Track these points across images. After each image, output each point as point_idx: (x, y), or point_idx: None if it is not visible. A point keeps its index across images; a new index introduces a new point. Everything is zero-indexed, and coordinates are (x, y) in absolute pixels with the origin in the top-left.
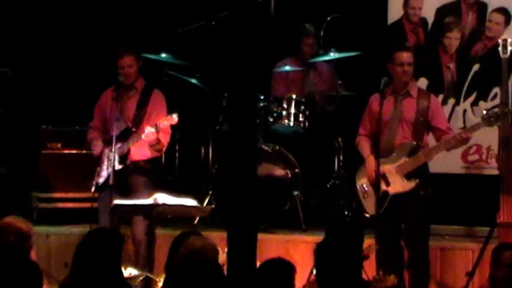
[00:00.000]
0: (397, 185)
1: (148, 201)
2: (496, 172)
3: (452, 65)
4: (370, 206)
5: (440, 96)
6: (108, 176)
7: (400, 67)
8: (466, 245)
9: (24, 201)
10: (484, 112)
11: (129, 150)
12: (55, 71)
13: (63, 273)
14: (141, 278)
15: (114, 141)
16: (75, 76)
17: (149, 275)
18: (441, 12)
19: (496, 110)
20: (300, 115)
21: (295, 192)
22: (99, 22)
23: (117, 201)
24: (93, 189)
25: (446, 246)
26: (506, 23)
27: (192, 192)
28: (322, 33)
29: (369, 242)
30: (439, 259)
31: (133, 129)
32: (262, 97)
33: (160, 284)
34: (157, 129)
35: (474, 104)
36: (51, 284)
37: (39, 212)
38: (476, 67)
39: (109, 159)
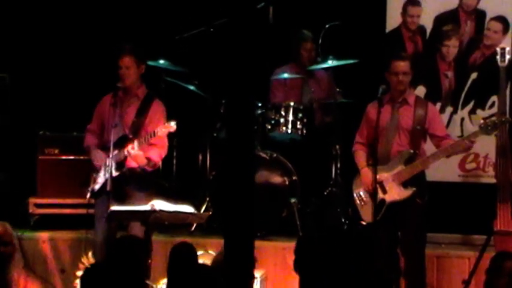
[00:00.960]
0: (394, 193)
1: (145, 207)
2: (493, 180)
3: (450, 73)
4: (366, 214)
5: (438, 104)
6: (105, 182)
7: (395, 76)
8: (463, 253)
9: (21, 206)
10: (482, 121)
11: (125, 157)
12: (53, 76)
13: (60, 279)
14: None
15: (111, 148)
16: (73, 82)
17: (146, 281)
18: (439, 20)
19: (493, 118)
20: (298, 122)
21: (293, 200)
22: (98, 28)
23: (114, 208)
24: (88, 195)
25: (442, 254)
26: (505, 32)
27: (189, 199)
28: (320, 41)
29: None
30: (435, 267)
31: (130, 136)
32: (260, 104)
33: None
34: (154, 135)
35: (472, 112)
36: None
37: (35, 218)
38: (474, 75)
39: (106, 166)
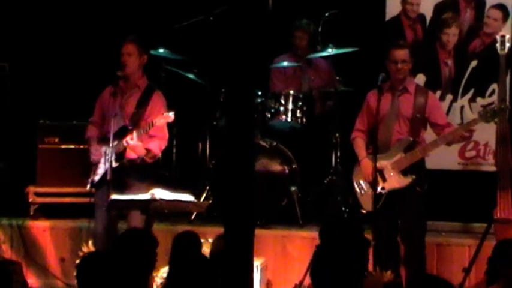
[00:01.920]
0: (394, 181)
1: (145, 196)
2: (493, 168)
3: (450, 61)
4: (366, 202)
5: (438, 93)
6: (105, 172)
7: (394, 64)
8: (463, 241)
9: (21, 195)
10: (481, 108)
11: (125, 148)
12: (53, 65)
13: (60, 268)
14: None
15: (111, 138)
16: (73, 71)
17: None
18: (439, 8)
19: (493, 106)
20: (298, 111)
21: (293, 188)
22: (97, 17)
23: (114, 197)
24: (88, 186)
25: (442, 242)
26: (504, 19)
27: (190, 188)
28: (320, 29)
29: None
30: (435, 255)
31: (130, 128)
32: (259, 93)
33: (158, 280)
34: (152, 125)
35: (472, 100)
36: (48, 278)
37: (36, 207)
38: (474, 63)
39: (106, 155)
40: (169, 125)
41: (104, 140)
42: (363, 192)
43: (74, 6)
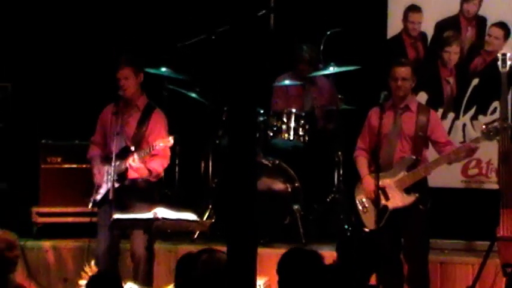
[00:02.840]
0: (397, 199)
1: (148, 215)
2: (495, 186)
3: (451, 79)
4: (369, 221)
5: (440, 111)
6: (107, 192)
7: (394, 82)
8: (466, 259)
9: (24, 215)
10: (484, 126)
11: (126, 169)
12: (55, 85)
13: None
14: None
15: (114, 157)
16: (75, 91)
17: None
18: (440, 26)
19: (495, 124)
20: (300, 129)
21: (295, 206)
22: (99, 37)
23: (116, 216)
24: (90, 205)
25: (446, 260)
26: (506, 38)
27: (192, 207)
28: (321, 48)
29: None
30: (438, 273)
31: (132, 148)
32: (262, 111)
33: None
34: (152, 149)
35: (474, 118)
36: None
37: (38, 227)
38: (475, 81)
39: (108, 175)
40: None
41: (106, 160)
42: (365, 210)
43: (76, 27)
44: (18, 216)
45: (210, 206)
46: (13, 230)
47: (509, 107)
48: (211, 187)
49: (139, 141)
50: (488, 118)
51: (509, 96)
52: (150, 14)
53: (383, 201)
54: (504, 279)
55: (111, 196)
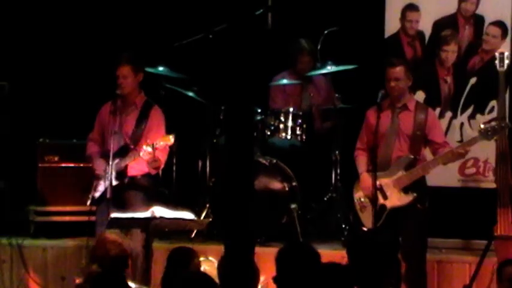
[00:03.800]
0: (395, 198)
1: (145, 214)
2: (493, 185)
3: (449, 78)
4: (367, 220)
5: (438, 110)
6: (105, 189)
7: (388, 83)
8: (463, 258)
9: (21, 214)
10: (482, 126)
11: (126, 167)
12: (53, 84)
13: (60, 287)
14: None
15: (111, 156)
16: (73, 90)
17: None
18: (438, 25)
19: (493, 123)
20: (297, 128)
21: (293, 206)
22: (97, 36)
23: (114, 214)
24: (88, 202)
25: (443, 259)
26: (503, 36)
27: (190, 205)
28: (319, 47)
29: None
30: (436, 272)
31: (132, 146)
32: (259, 110)
33: None
34: (153, 148)
35: (471, 117)
36: None
37: (36, 226)
38: (473, 80)
39: (106, 173)
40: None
41: (105, 157)
42: (363, 209)
43: (73, 25)
44: (15, 215)
45: (208, 205)
46: (10, 229)
47: (507, 106)
48: (208, 186)
49: (138, 139)
50: (486, 117)
51: (507, 95)
52: (147, 13)
53: (381, 200)
54: None
55: (108, 195)
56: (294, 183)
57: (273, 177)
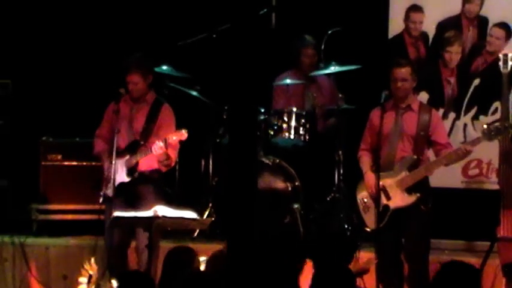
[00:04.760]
0: (398, 199)
1: (148, 213)
2: (496, 187)
3: (452, 80)
4: (370, 220)
5: (441, 111)
6: (117, 185)
7: (394, 83)
8: (466, 260)
9: (24, 212)
10: (485, 126)
11: (137, 163)
12: (56, 82)
13: (63, 286)
14: None
15: (114, 154)
16: (76, 88)
17: None
18: (442, 26)
19: (496, 124)
20: (301, 128)
21: (295, 205)
22: (100, 34)
23: (116, 214)
24: (101, 200)
25: (446, 260)
26: (507, 38)
27: (192, 205)
28: (322, 47)
29: (368, 255)
30: None
31: (142, 142)
32: (262, 110)
33: None
34: (165, 144)
35: (475, 118)
36: None
37: (38, 224)
38: (476, 82)
39: (110, 172)
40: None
41: (116, 154)
42: (366, 209)
43: (76, 24)
44: (18, 213)
45: (210, 205)
46: (13, 227)
47: (510, 108)
48: (211, 185)
49: (148, 135)
50: (489, 118)
51: (510, 97)
52: (151, 12)
53: (384, 201)
54: (504, 279)
55: (111, 194)
56: (296, 183)
57: (276, 177)
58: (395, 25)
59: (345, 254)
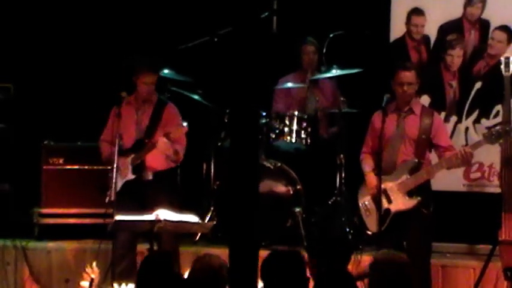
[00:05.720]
0: (399, 202)
1: (150, 217)
2: (498, 190)
3: (454, 83)
4: (372, 224)
5: (443, 114)
6: (124, 186)
7: (399, 86)
8: (468, 263)
9: (26, 216)
10: (486, 130)
11: (143, 161)
12: (57, 86)
13: None
14: None
15: (115, 158)
16: (78, 92)
17: None
18: (444, 29)
19: (497, 127)
20: (302, 132)
21: (297, 209)
22: (102, 38)
23: (118, 217)
24: (107, 199)
25: (448, 263)
26: (509, 41)
27: (194, 209)
28: (324, 50)
29: (370, 259)
30: (440, 277)
31: (146, 140)
32: (264, 113)
33: None
34: (168, 138)
35: (476, 121)
36: None
37: (40, 228)
38: (478, 85)
39: (115, 174)
40: None
41: (123, 154)
42: (368, 213)
43: (78, 28)
44: (20, 217)
45: (212, 208)
46: (15, 231)
47: None
48: (213, 189)
49: (152, 133)
50: (491, 122)
51: None
52: (152, 16)
53: (386, 204)
54: (506, 283)
55: (113, 198)
56: (298, 187)
57: (278, 180)
58: (397, 29)
59: (344, 256)
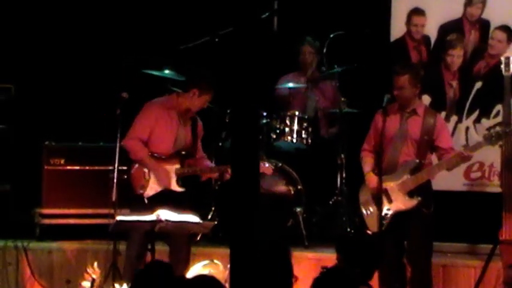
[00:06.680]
0: (399, 202)
1: (150, 217)
2: (498, 189)
3: (454, 83)
4: (373, 223)
5: (443, 114)
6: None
7: (394, 90)
8: (469, 263)
9: (27, 217)
10: (486, 131)
11: (198, 176)
12: (58, 87)
13: None
14: None
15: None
16: (79, 92)
17: None
18: (444, 29)
19: (497, 129)
20: (303, 132)
21: (298, 209)
22: (103, 38)
23: (119, 217)
24: (146, 200)
25: (448, 263)
26: (509, 41)
27: (195, 209)
28: (325, 50)
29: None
30: (441, 276)
31: (183, 153)
32: (265, 114)
33: None
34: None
35: (477, 121)
36: None
37: (41, 228)
38: (478, 85)
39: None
40: None
41: (161, 162)
42: (369, 213)
43: (79, 28)
44: (21, 218)
45: (213, 208)
46: (16, 231)
47: None
48: (213, 189)
49: (195, 151)
50: (491, 121)
51: None
52: (153, 16)
53: (386, 204)
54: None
55: (114, 198)
56: (299, 187)
57: (279, 180)
58: (397, 29)
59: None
